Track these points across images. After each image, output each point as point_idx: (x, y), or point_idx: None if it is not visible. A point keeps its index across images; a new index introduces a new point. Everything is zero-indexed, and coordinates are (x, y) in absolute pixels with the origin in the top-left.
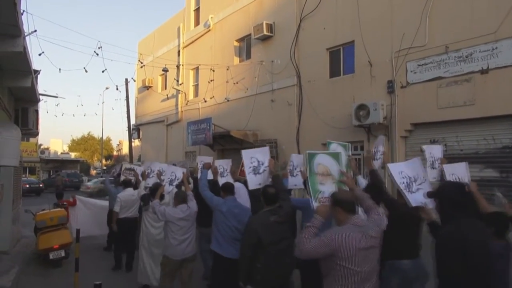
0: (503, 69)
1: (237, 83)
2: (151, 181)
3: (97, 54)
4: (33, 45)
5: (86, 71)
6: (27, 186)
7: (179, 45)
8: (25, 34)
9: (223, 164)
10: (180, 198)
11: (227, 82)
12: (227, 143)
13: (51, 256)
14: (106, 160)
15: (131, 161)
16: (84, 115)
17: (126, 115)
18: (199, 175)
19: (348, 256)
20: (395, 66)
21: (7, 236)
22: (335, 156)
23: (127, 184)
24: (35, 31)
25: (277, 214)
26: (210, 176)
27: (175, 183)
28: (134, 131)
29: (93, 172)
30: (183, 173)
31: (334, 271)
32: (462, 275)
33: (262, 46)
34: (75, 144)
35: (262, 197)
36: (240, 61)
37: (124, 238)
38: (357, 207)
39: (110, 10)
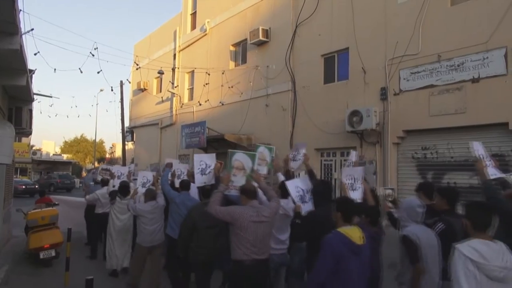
0: (493, 78)
1: (232, 87)
2: (118, 182)
3: (93, 55)
4: (28, 45)
5: (81, 72)
6: (23, 187)
7: (175, 49)
8: (22, 32)
9: (181, 168)
10: (149, 196)
11: (222, 86)
12: (221, 147)
13: (41, 256)
14: (99, 162)
15: (123, 164)
16: (78, 116)
17: (120, 117)
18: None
19: (242, 226)
20: (388, 74)
21: None
22: (252, 156)
23: (105, 183)
24: (32, 29)
25: None
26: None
27: (148, 185)
28: (128, 133)
29: (84, 174)
30: (153, 175)
31: (234, 236)
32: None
33: (258, 51)
34: (68, 146)
35: (200, 193)
36: (235, 66)
37: (101, 230)
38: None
39: (107, 12)
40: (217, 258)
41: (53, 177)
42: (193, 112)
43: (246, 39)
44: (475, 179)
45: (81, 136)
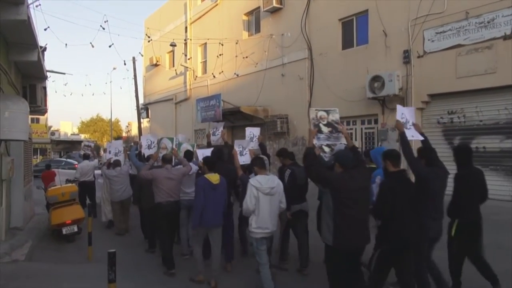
0: None
1: (246, 57)
2: (110, 156)
3: (103, 29)
4: (38, 21)
5: (93, 46)
6: None
7: (186, 21)
8: (29, 2)
9: (151, 138)
10: (115, 164)
11: (236, 56)
12: (237, 120)
13: (64, 231)
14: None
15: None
16: (93, 95)
17: (134, 94)
18: (143, 150)
19: (159, 181)
20: (412, 35)
21: (20, 212)
22: (171, 139)
23: (86, 157)
24: (38, 1)
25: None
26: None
27: (119, 154)
28: (143, 110)
29: (102, 153)
30: (124, 147)
31: (155, 188)
32: None
33: (272, 19)
34: (85, 126)
35: (146, 160)
36: (249, 36)
37: (85, 195)
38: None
39: None
40: None
41: (72, 156)
42: (207, 85)
43: (259, 7)
44: (507, 143)
45: (97, 115)
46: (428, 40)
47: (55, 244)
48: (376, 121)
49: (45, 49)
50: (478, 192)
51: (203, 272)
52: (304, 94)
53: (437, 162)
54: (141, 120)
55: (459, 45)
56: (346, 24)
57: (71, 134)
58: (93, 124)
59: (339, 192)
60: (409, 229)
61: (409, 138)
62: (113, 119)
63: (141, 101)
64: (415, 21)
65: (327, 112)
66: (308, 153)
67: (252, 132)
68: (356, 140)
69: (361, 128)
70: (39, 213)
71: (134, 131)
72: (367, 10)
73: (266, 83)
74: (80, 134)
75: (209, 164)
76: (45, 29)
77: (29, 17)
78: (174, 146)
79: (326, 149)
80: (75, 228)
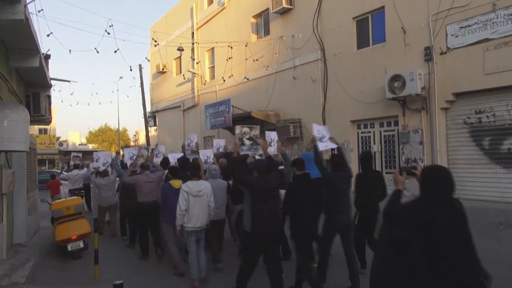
0: None
1: (256, 60)
2: (96, 164)
3: (108, 33)
4: (41, 28)
5: (98, 52)
6: None
7: (192, 27)
8: (27, 1)
9: (133, 151)
10: (103, 173)
11: (246, 59)
12: (247, 125)
13: (69, 248)
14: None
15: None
16: (99, 104)
17: (141, 102)
18: (127, 161)
19: (139, 184)
20: (433, 31)
21: (23, 227)
22: (148, 149)
23: (76, 166)
24: (42, 10)
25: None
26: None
27: (107, 164)
28: (150, 118)
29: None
30: (111, 158)
31: (138, 190)
32: None
33: (281, 21)
34: (93, 136)
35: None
36: (257, 38)
37: None
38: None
39: None
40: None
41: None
42: (216, 91)
43: (267, 9)
44: None
45: (105, 125)
46: (452, 35)
47: (59, 262)
48: (396, 123)
49: (49, 56)
50: (375, 190)
51: (181, 265)
52: (317, 97)
53: (342, 166)
54: (149, 128)
55: (486, 39)
56: (361, 22)
57: (79, 144)
58: (101, 134)
59: (255, 191)
60: (310, 223)
61: (323, 148)
62: (120, 128)
63: (148, 109)
64: (436, 16)
65: (250, 128)
66: (232, 162)
67: (219, 143)
68: (374, 143)
69: (380, 131)
70: (45, 226)
71: (142, 140)
72: (383, 7)
73: (277, 86)
74: (88, 144)
75: (173, 171)
76: (48, 35)
77: (27, 18)
78: (149, 154)
79: (258, 157)
80: (81, 244)
